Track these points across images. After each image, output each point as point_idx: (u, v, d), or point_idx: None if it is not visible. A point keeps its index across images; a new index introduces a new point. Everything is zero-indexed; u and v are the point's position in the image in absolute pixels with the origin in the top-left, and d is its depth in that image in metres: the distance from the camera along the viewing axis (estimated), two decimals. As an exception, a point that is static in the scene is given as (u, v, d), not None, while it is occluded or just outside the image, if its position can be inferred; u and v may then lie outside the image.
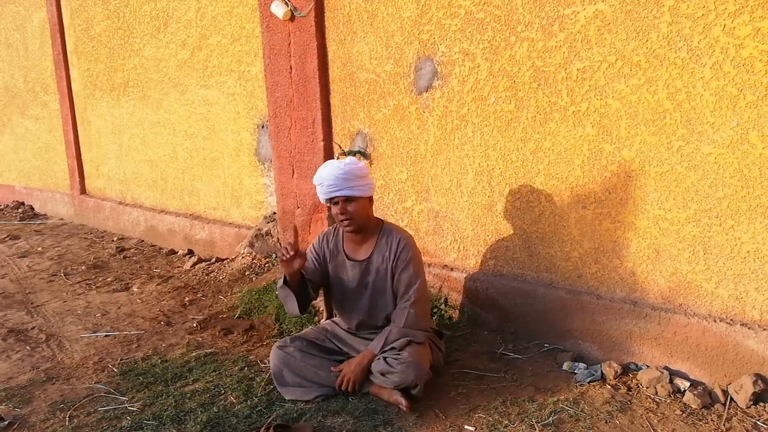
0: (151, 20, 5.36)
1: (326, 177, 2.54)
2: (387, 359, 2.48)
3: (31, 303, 4.25)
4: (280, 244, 2.57)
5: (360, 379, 2.56)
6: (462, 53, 3.14)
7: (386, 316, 2.67)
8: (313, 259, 2.77)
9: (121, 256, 5.44)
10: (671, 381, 2.50)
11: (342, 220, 2.61)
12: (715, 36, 2.33)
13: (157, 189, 5.85)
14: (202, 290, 4.25)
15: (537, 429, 2.28)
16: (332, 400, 2.57)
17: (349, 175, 2.51)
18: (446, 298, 3.38)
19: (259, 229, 4.55)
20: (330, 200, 2.60)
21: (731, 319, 2.44)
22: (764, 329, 2.34)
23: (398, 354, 2.47)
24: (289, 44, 3.97)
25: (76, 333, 3.61)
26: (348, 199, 2.56)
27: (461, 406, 2.49)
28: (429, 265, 3.49)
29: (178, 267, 4.90)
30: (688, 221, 2.50)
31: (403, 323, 2.54)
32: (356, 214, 2.58)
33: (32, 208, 8.04)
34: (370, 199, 2.66)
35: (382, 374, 2.48)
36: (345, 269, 2.73)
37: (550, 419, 2.34)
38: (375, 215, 2.83)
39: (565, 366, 2.75)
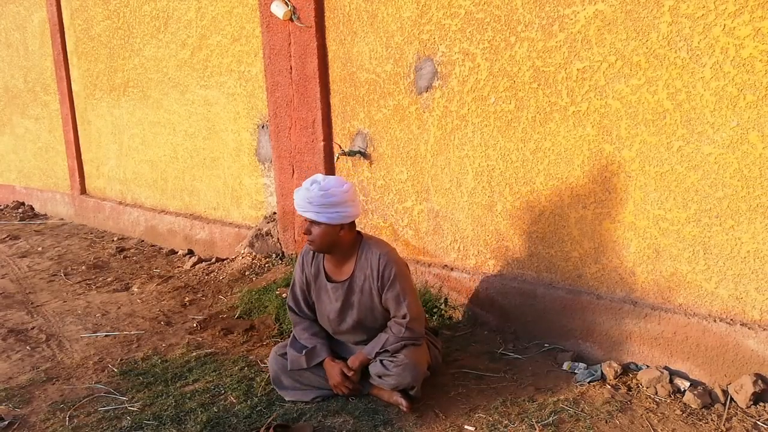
0: (151, 20, 5.36)
1: (297, 194, 2.46)
2: (383, 361, 2.47)
3: (31, 303, 4.25)
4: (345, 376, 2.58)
5: (354, 381, 2.55)
6: (462, 53, 3.14)
7: (378, 328, 2.60)
8: (303, 298, 2.71)
9: (121, 256, 5.44)
10: (671, 381, 2.50)
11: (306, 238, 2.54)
12: (715, 36, 2.33)
13: (157, 189, 5.85)
14: (202, 290, 4.25)
15: (537, 429, 2.28)
16: (332, 400, 2.57)
17: (315, 200, 2.37)
18: (446, 298, 3.38)
19: (259, 229, 4.55)
20: None
21: (731, 319, 2.44)
22: (764, 329, 2.34)
23: (394, 356, 2.46)
24: (289, 44, 3.97)
25: (76, 333, 3.61)
26: (313, 221, 2.45)
27: (461, 406, 2.49)
28: (429, 265, 3.49)
29: (178, 267, 4.90)
30: (688, 221, 2.50)
31: (401, 335, 2.48)
32: (317, 239, 2.46)
33: (32, 208, 8.04)
34: (343, 227, 2.47)
35: (379, 377, 2.48)
36: (327, 292, 2.61)
37: (550, 419, 2.34)
38: (373, 216, 2.81)
39: (565, 366, 2.75)
